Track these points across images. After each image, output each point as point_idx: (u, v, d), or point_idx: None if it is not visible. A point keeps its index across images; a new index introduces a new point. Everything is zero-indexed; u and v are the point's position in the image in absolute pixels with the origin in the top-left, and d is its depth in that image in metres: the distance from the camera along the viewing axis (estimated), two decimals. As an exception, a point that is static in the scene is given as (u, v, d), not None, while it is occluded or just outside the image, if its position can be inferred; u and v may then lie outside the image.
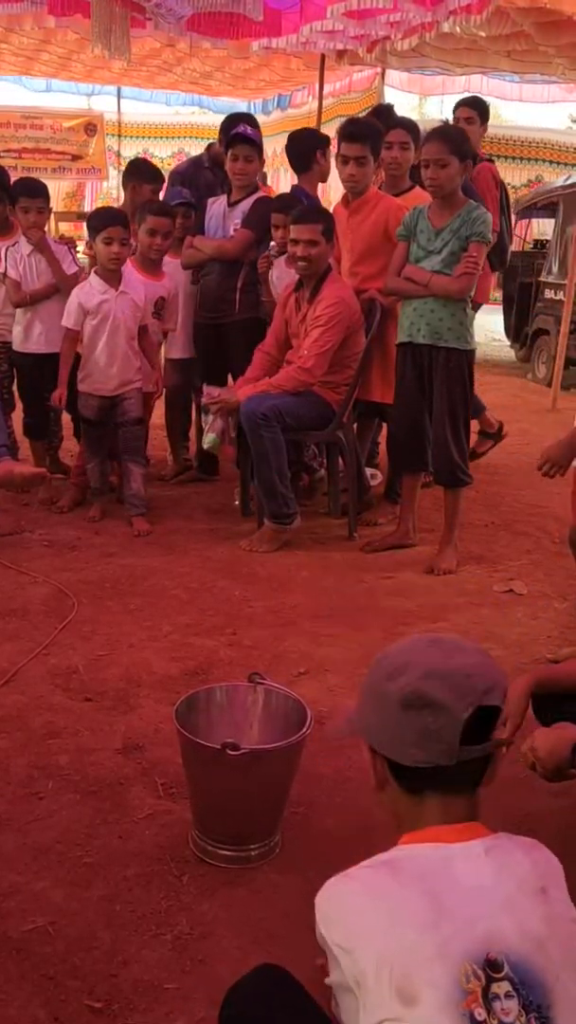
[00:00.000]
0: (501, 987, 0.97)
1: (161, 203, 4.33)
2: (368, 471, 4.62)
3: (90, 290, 4.02)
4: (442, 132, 3.54)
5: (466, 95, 6.39)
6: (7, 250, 4.21)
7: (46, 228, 4.35)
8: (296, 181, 4.68)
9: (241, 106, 11.36)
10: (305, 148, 4.43)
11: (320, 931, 1.09)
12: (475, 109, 4.84)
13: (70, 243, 4.57)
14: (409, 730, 1.10)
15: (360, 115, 5.16)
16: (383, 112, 4.94)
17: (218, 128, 4.79)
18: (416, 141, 4.16)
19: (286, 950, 1.70)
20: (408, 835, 1.13)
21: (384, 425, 4.46)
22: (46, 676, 2.76)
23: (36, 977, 1.67)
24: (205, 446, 4.24)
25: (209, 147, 4.92)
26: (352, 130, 3.98)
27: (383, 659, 1.19)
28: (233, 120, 4.61)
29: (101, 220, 3.99)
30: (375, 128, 4.08)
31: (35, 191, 4.19)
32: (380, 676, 1.16)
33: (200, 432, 4.66)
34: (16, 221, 4.36)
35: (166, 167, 7.69)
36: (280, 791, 2.04)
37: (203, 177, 4.75)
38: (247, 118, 4.71)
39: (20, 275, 4.20)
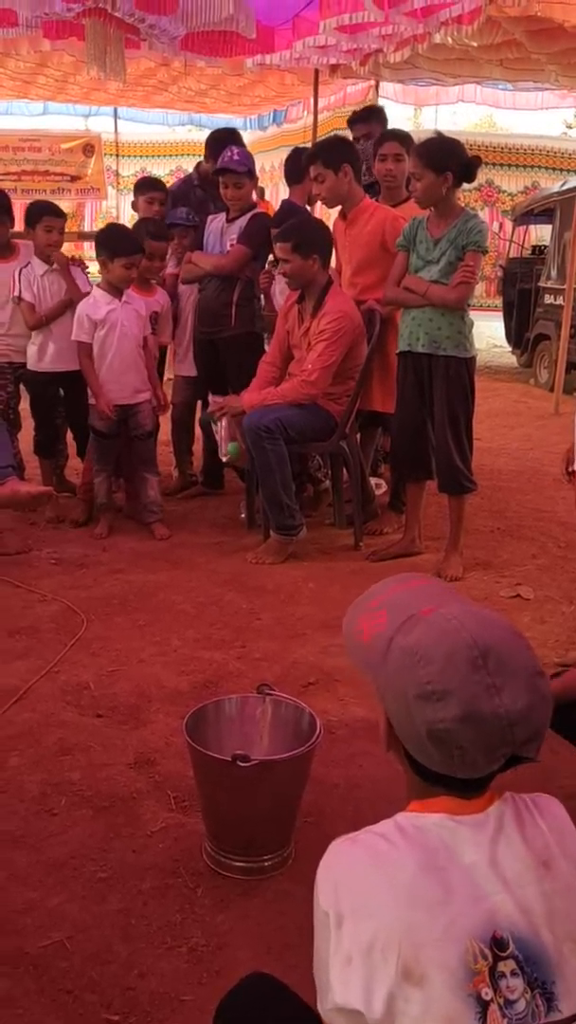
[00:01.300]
0: (507, 965, 0.96)
1: (158, 225, 4.43)
2: (373, 480, 4.64)
3: (95, 303, 4.09)
4: (420, 145, 3.59)
5: (459, 104, 6.43)
6: (20, 271, 4.27)
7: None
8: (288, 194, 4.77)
9: (237, 123, 11.45)
10: (301, 164, 4.49)
11: (322, 900, 1.04)
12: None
13: (82, 264, 4.64)
14: (435, 751, 1.04)
15: (357, 114, 5.22)
16: (372, 114, 5.01)
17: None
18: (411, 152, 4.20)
19: (302, 960, 1.70)
20: (417, 803, 1.09)
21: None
22: (57, 693, 2.78)
23: (54, 992, 1.68)
24: (225, 457, 4.22)
25: (198, 166, 5.02)
26: (305, 155, 4.20)
27: (421, 661, 1.03)
28: (218, 141, 4.71)
29: (124, 245, 4.04)
30: (324, 144, 4.23)
31: (59, 212, 4.35)
32: (413, 687, 1.03)
33: (207, 446, 4.69)
34: (17, 244, 4.44)
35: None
36: (291, 801, 2.05)
37: (194, 195, 4.85)
38: (231, 136, 4.81)
39: (35, 296, 4.26)
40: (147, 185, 4.97)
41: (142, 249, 4.11)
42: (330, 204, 4.18)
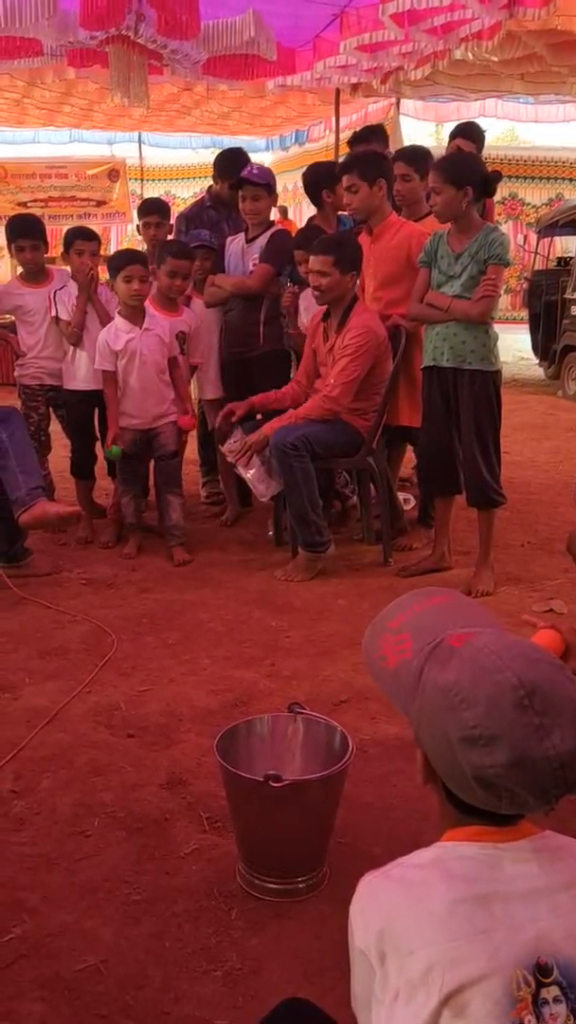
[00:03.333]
0: (550, 992, 0.94)
1: (182, 245, 4.44)
2: (401, 495, 4.61)
3: (116, 331, 4.12)
4: (439, 161, 3.61)
5: (480, 119, 6.46)
6: (56, 294, 4.34)
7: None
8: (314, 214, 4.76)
9: (259, 144, 11.58)
10: (312, 187, 4.52)
11: (357, 939, 1.02)
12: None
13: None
14: (480, 794, 1.01)
15: (357, 134, 5.19)
16: (372, 133, 5.02)
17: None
18: (419, 169, 4.21)
19: (338, 983, 1.68)
20: (453, 831, 1.07)
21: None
22: (88, 714, 2.78)
23: (89, 1016, 1.67)
24: (264, 498, 4.12)
25: (209, 188, 5.05)
26: (341, 163, 4.15)
27: (464, 702, 0.99)
28: (226, 161, 4.76)
29: (120, 260, 4.12)
30: (361, 155, 4.17)
31: (89, 235, 4.44)
32: (457, 729, 1.00)
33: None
34: (51, 270, 4.55)
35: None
36: (325, 821, 2.02)
37: (207, 216, 4.86)
38: (239, 155, 4.84)
39: (71, 317, 4.34)
40: (145, 209, 5.03)
41: (141, 262, 4.09)
42: (359, 216, 4.13)
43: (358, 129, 5.49)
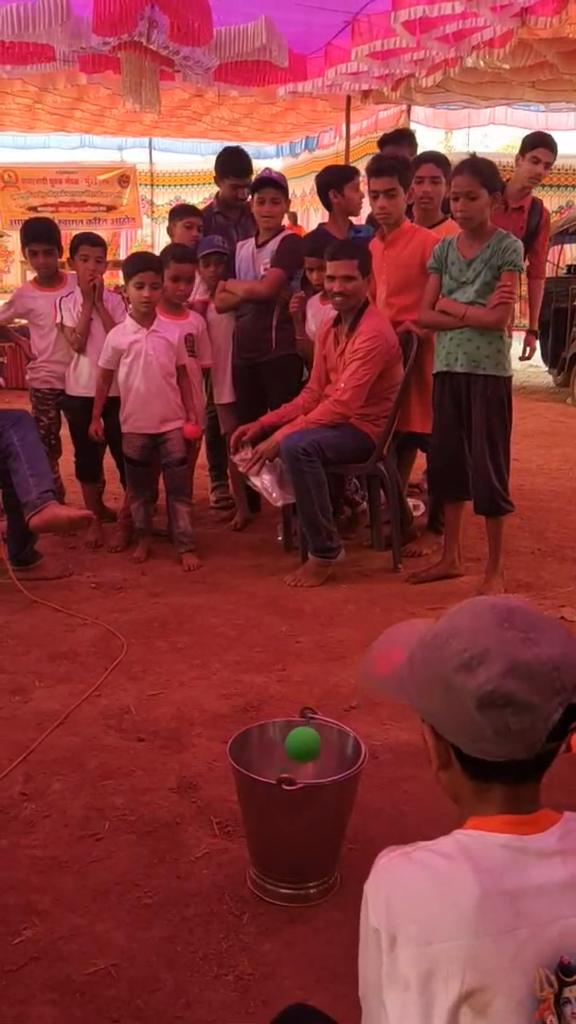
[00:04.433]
0: (573, 991, 0.93)
1: (184, 249, 4.45)
2: (411, 502, 4.60)
3: (123, 331, 4.16)
4: (472, 165, 3.55)
5: (490, 127, 6.46)
6: (61, 300, 4.37)
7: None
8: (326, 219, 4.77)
9: (269, 150, 11.62)
10: (320, 188, 4.50)
11: (372, 918, 0.99)
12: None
13: (122, 293, 4.71)
14: (487, 727, 0.99)
15: (388, 135, 5.19)
16: (404, 137, 5.01)
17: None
18: (446, 174, 4.20)
19: (351, 989, 1.67)
20: (476, 820, 1.04)
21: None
22: (99, 717, 2.78)
23: (100, 1020, 1.66)
24: (280, 503, 4.08)
25: (217, 194, 5.08)
26: (379, 165, 4.08)
27: (450, 638, 1.03)
28: (227, 162, 4.78)
29: (133, 265, 4.14)
30: (402, 160, 4.18)
31: (95, 241, 4.45)
32: (449, 662, 1.01)
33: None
34: (65, 274, 4.56)
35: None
36: (337, 826, 2.02)
37: (215, 222, 4.87)
38: (243, 153, 4.86)
39: (75, 323, 4.36)
40: (183, 211, 5.03)
41: (154, 268, 4.10)
42: (389, 220, 4.08)
43: (389, 131, 5.48)
